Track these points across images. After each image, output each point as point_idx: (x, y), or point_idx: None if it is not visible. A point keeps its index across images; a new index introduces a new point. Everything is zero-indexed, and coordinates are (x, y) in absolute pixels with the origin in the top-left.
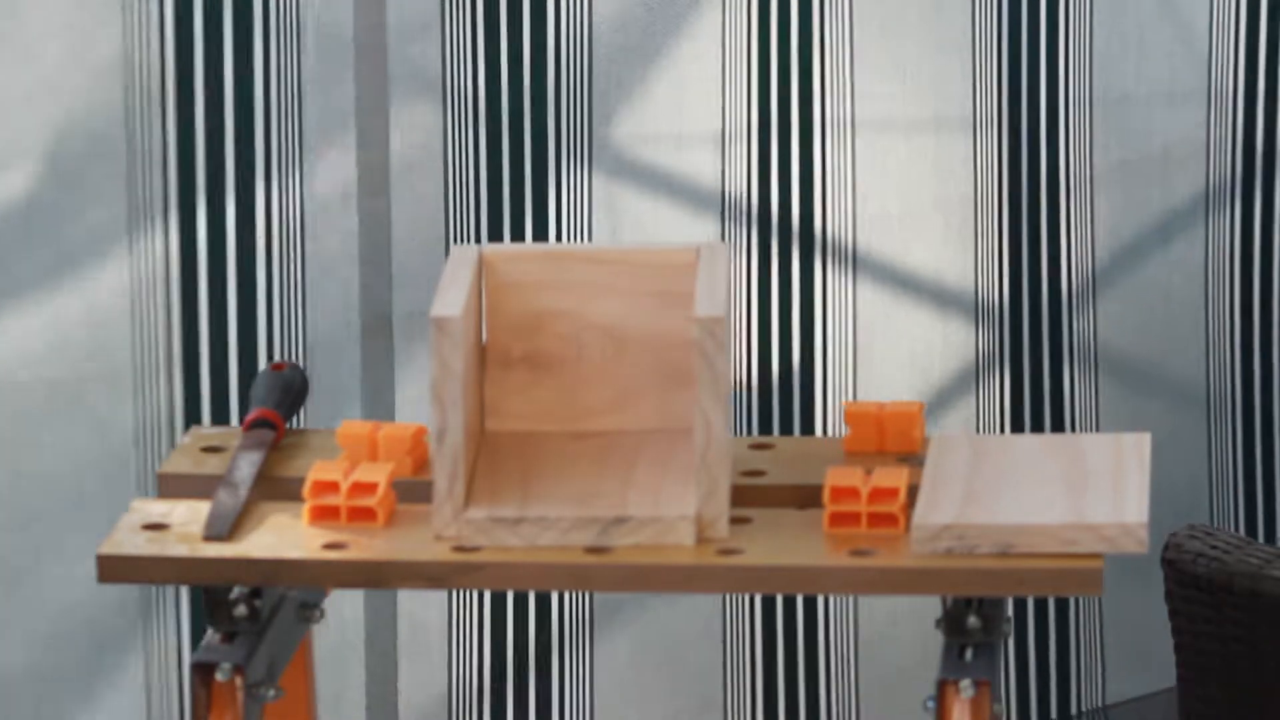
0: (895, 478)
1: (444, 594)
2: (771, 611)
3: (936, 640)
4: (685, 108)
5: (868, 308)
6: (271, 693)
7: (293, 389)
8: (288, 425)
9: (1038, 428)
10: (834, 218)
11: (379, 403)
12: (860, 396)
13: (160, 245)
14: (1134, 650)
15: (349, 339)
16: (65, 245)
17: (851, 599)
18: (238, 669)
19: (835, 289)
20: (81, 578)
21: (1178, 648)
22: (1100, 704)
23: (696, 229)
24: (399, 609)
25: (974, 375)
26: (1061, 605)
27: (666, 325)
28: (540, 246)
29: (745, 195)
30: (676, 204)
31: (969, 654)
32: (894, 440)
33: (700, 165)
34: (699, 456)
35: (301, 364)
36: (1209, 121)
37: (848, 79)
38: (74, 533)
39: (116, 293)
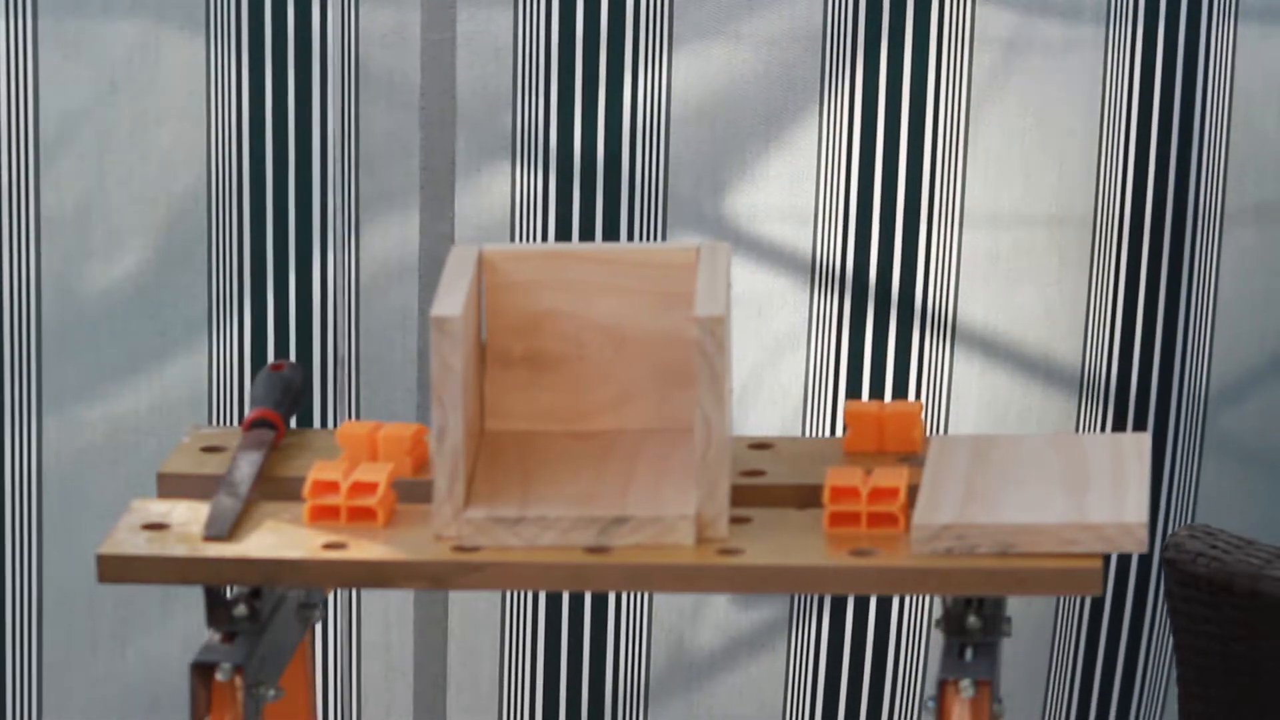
0: (895, 478)
1: (497, 623)
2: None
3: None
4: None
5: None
6: (271, 693)
7: (292, 389)
8: (287, 425)
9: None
10: None
11: None
12: None
13: (236, 329)
14: None
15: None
16: (163, 323)
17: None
18: (238, 669)
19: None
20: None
21: (1178, 648)
22: None
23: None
24: (449, 635)
25: None
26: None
27: (666, 325)
28: (540, 246)
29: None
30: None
31: (969, 654)
32: (894, 440)
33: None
34: (699, 456)
35: None
36: None
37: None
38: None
39: (199, 368)
